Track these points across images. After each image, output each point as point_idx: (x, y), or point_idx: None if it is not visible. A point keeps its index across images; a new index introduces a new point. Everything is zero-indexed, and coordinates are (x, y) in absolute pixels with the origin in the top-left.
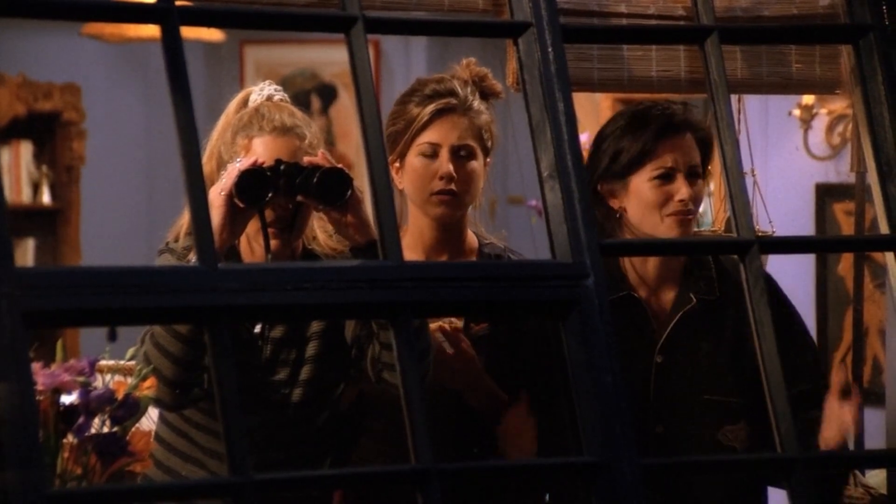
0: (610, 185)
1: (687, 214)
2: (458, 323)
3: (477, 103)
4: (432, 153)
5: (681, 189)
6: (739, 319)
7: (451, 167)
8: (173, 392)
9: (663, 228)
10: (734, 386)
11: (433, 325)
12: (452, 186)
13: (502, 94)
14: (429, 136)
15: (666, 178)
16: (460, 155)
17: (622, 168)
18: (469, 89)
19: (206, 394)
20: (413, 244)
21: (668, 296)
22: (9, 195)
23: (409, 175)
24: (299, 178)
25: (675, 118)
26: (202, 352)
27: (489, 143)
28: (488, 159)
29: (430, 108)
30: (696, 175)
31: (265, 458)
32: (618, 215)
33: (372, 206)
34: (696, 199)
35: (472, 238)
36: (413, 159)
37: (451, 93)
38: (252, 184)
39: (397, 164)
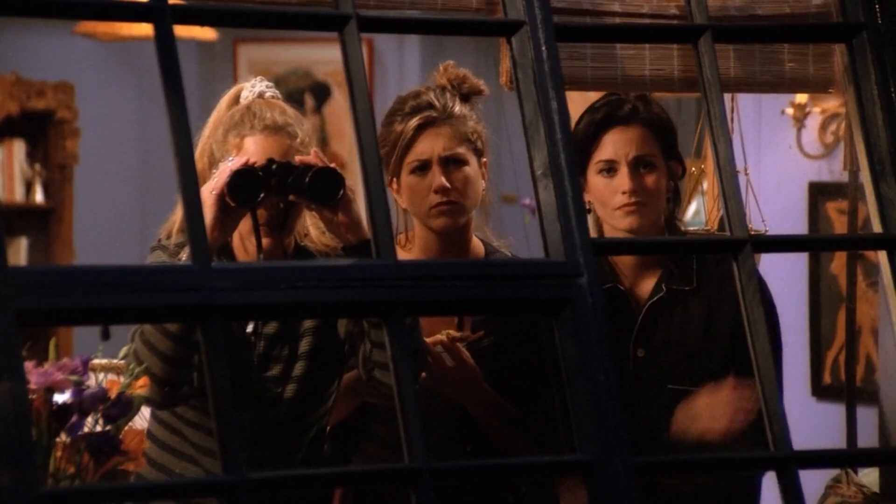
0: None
1: (633, 206)
2: (457, 334)
3: (458, 108)
4: (423, 168)
5: (623, 181)
6: (711, 309)
7: (442, 179)
8: (163, 390)
9: (615, 220)
10: (702, 377)
11: (432, 339)
12: (449, 197)
13: (486, 91)
14: (416, 153)
15: (609, 170)
16: (451, 164)
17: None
18: (448, 96)
19: (197, 391)
20: (419, 258)
21: (648, 287)
22: (1, 194)
23: (407, 194)
24: (291, 177)
25: (621, 110)
26: (192, 350)
27: (479, 145)
28: (484, 160)
29: (412, 124)
30: (648, 166)
31: (258, 454)
32: (589, 209)
33: (365, 204)
34: (645, 190)
35: (477, 245)
36: (406, 178)
37: (429, 105)
38: (244, 184)
39: (395, 185)
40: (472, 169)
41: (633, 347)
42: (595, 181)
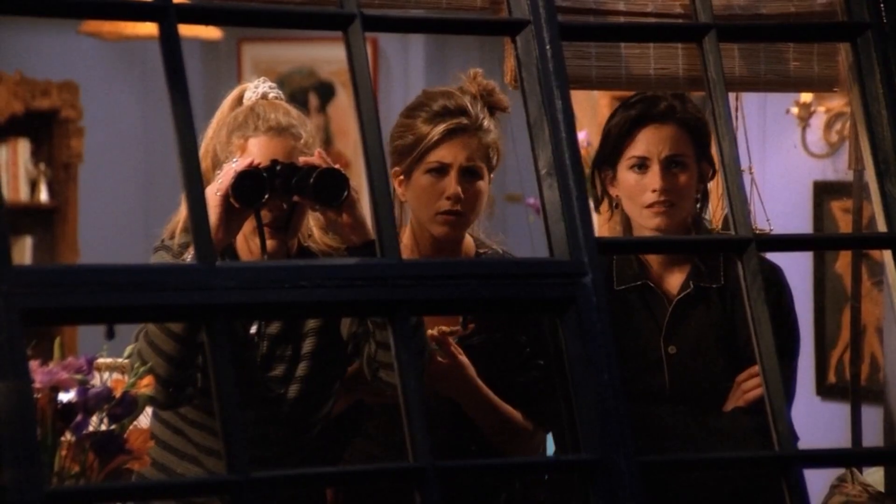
0: (605, 172)
1: (662, 206)
2: (447, 329)
3: (487, 121)
4: (440, 171)
5: (654, 180)
6: (738, 306)
7: (458, 188)
8: (167, 391)
9: (644, 219)
10: (732, 373)
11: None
12: (459, 207)
13: (509, 109)
14: (439, 155)
15: (641, 167)
16: (468, 175)
17: (607, 156)
18: (479, 106)
19: (200, 392)
20: (409, 254)
21: (676, 283)
22: (6, 193)
23: (415, 192)
24: (295, 178)
25: (657, 108)
26: (196, 351)
27: (494, 161)
28: (491, 175)
29: (442, 127)
30: (679, 165)
31: (259, 454)
32: (615, 204)
33: (370, 204)
34: (675, 190)
35: (468, 244)
36: (420, 177)
37: (463, 111)
38: (248, 185)
39: (402, 178)
40: (484, 183)
41: (663, 344)
42: (625, 177)
